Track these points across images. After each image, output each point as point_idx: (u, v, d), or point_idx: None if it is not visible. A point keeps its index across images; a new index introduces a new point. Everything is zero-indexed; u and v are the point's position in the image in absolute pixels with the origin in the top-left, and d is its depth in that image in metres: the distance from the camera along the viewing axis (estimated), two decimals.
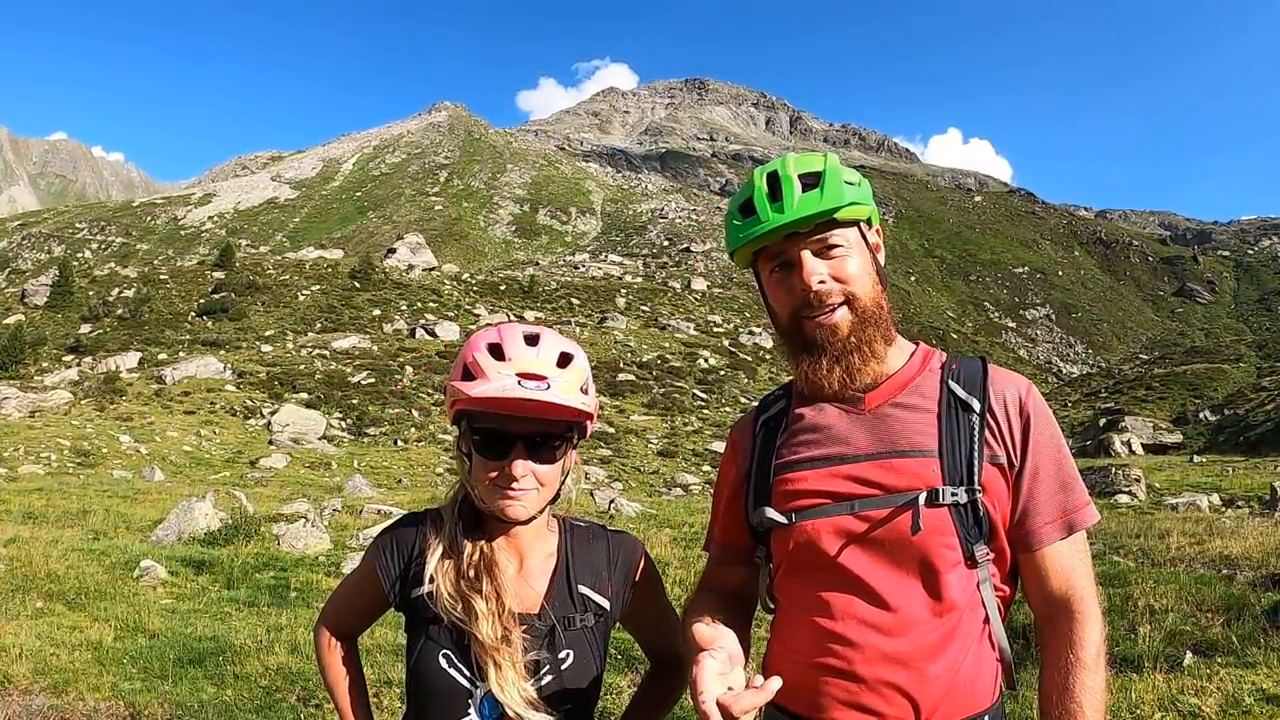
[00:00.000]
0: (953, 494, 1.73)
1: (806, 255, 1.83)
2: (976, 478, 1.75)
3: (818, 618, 1.79)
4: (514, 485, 1.89)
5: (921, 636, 1.72)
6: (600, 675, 2.02)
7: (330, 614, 2.20)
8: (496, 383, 1.83)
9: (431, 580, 1.92)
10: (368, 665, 6.91)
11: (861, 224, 1.89)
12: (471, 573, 1.91)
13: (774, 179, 1.85)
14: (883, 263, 1.93)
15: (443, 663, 1.89)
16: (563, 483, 2.00)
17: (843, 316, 1.84)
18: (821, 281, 1.82)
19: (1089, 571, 1.81)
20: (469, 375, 1.88)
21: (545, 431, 1.92)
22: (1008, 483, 1.79)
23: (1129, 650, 6.67)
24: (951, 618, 1.73)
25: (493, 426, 1.90)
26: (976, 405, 1.81)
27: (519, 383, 1.83)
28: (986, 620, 1.78)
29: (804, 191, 1.81)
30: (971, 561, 1.75)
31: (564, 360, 1.92)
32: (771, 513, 1.85)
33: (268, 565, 11.98)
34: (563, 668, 1.92)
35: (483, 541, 1.96)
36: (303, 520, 14.20)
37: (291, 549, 12.86)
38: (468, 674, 1.88)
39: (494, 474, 1.89)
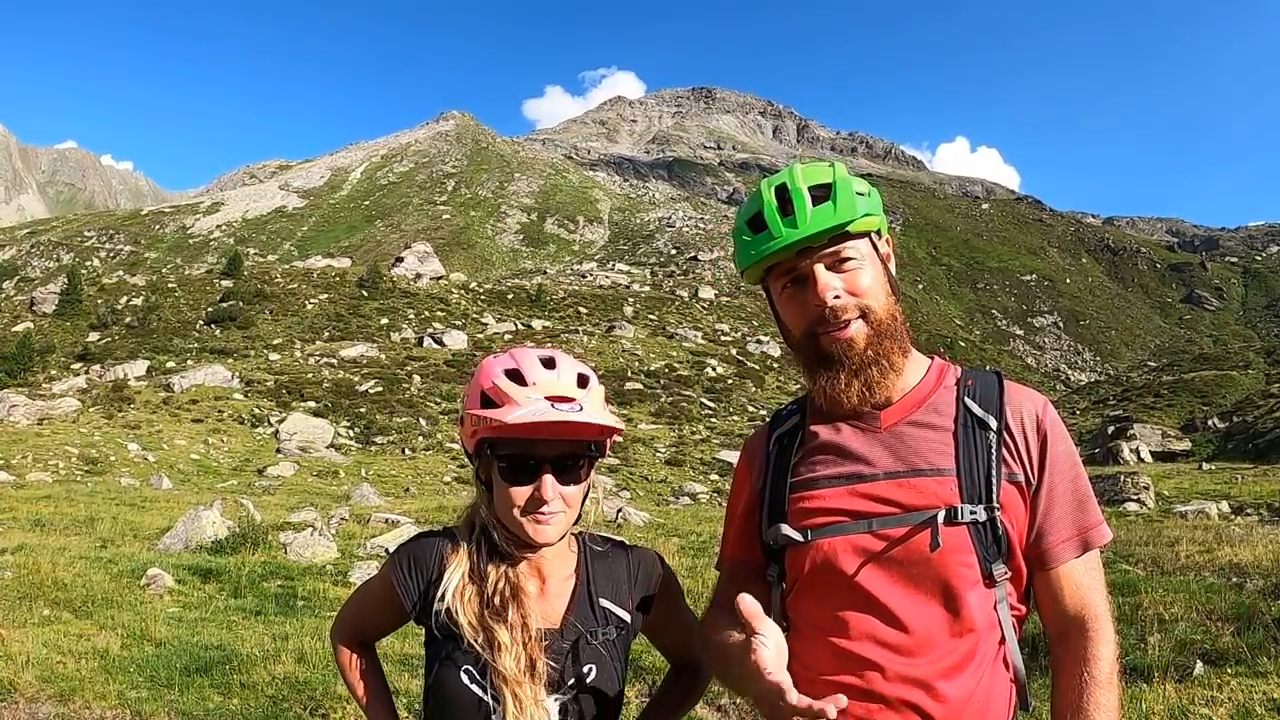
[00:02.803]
0: (971, 512, 1.71)
1: (820, 270, 1.81)
2: (995, 496, 1.73)
3: (834, 637, 1.77)
4: (544, 509, 1.88)
5: (939, 657, 1.70)
6: (623, 688, 2.02)
7: (348, 628, 2.21)
8: (529, 408, 1.82)
9: (452, 604, 1.91)
10: None
11: (872, 235, 1.87)
12: (496, 600, 1.90)
13: (783, 192, 1.82)
14: (894, 272, 1.91)
15: (464, 679, 1.88)
16: (584, 502, 2.00)
17: (858, 330, 1.82)
18: (837, 297, 1.80)
19: (1103, 589, 1.80)
20: (491, 403, 1.87)
21: (571, 453, 1.92)
22: (1025, 501, 1.77)
23: (1139, 660, 6.65)
24: (969, 638, 1.71)
25: (520, 452, 1.89)
26: (993, 423, 1.79)
27: (552, 405, 1.82)
28: (1002, 640, 1.76)
29: (815, 205, 1.79)
30: (990, 581, 1.74)
31: (583, 381, 1.92)
32: (788, 530, 1.84)
33: (275, 574, 11.98)
34: (586, 682, 1.92)
35: (506, 567, 1.95)
36: (310, 529, 14.20)
37: (299, 558, 12.86)
38: (490, 691, 1.86)
39: (523, 500, 1.89)
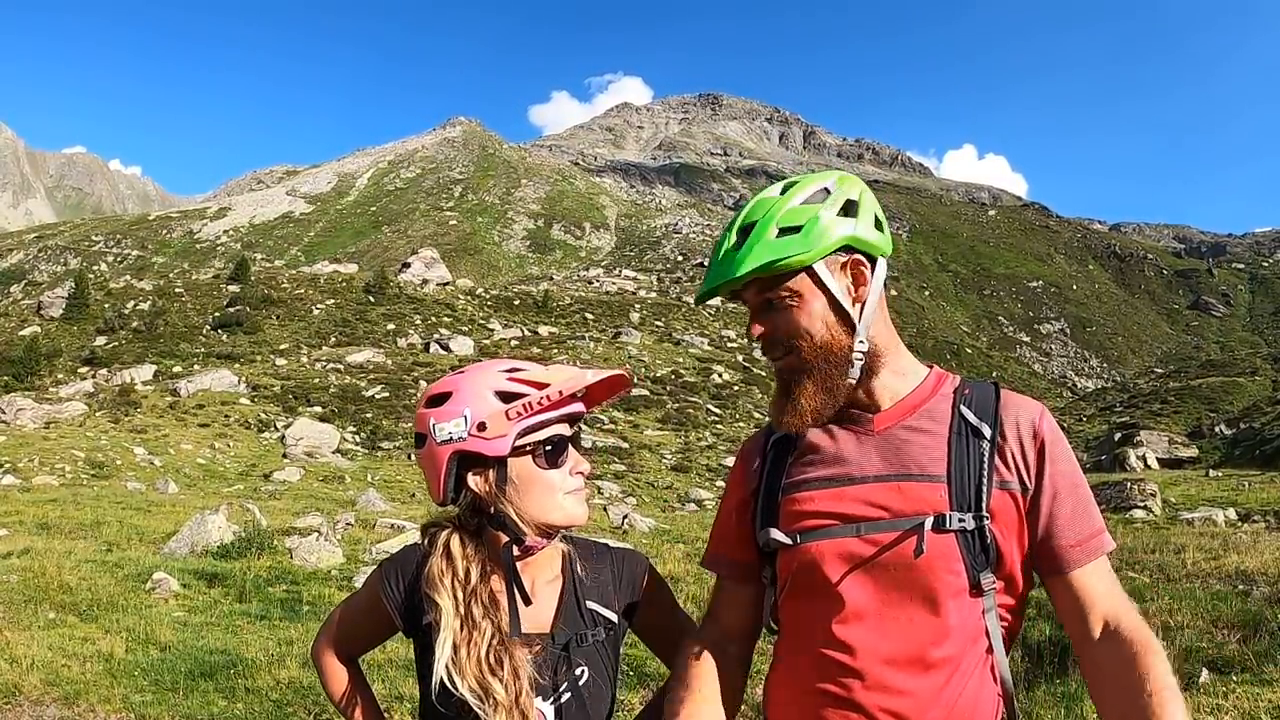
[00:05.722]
0: (960, 520, 1.70)
1: (753, 308, 1.85)
2: (985, 504, 1.71)
3: (818, 642, 1.76)
4: (583, 485, 1.96)
5: (922, 665, 1.68)
6: (615, 690, 2.03)
7: (334, 642, 2.19)
8: (578, 374, 1.91)
9: (449, 675, 1.88)
10: (379, 680, 6.93)
11: (816, 266, 1.80)
12: (492, 659, 1.88)
13: (728, 232, 1.85)
14: (861, 293, 1.83)
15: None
16: None
17: (787, 364, 1.85)
18: (761, 335, 1.85)
19: (1126, 596, 1.76)
20: (515, 396, 1.89)
21: (576, 432, 2.01)
22: (1019, 510, 1.75)
23: None
24: (953, 646, 1.69)
25: (559, 433, 1.94)
26: (987, 431, 1.78)
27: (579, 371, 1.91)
28: (990, 650, 1.74)
29: (738, 248, 1.80)
30: (977, 590, 1.71)
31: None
32: (777, 533, 1.84)
33: (280, 578, 11.99)
34: (579, 684, 1.93)
35: (500, 615, 1.92)
36: (315, 534, 14.20)
37: (304, 562, 12.87)
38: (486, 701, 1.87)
39: (565, 481, 1.94)
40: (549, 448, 1.92)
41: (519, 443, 1.90)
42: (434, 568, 1.95)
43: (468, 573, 1.94)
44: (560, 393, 1.87)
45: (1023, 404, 1.84)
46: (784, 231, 1.78)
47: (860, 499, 1.78)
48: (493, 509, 1.93)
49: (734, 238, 1.82)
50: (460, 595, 1.93)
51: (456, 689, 1.85)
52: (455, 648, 1.88)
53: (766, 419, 2.09)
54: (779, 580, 1.89)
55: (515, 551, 1.93)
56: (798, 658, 1.80)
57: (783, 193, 1.85)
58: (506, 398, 1.89)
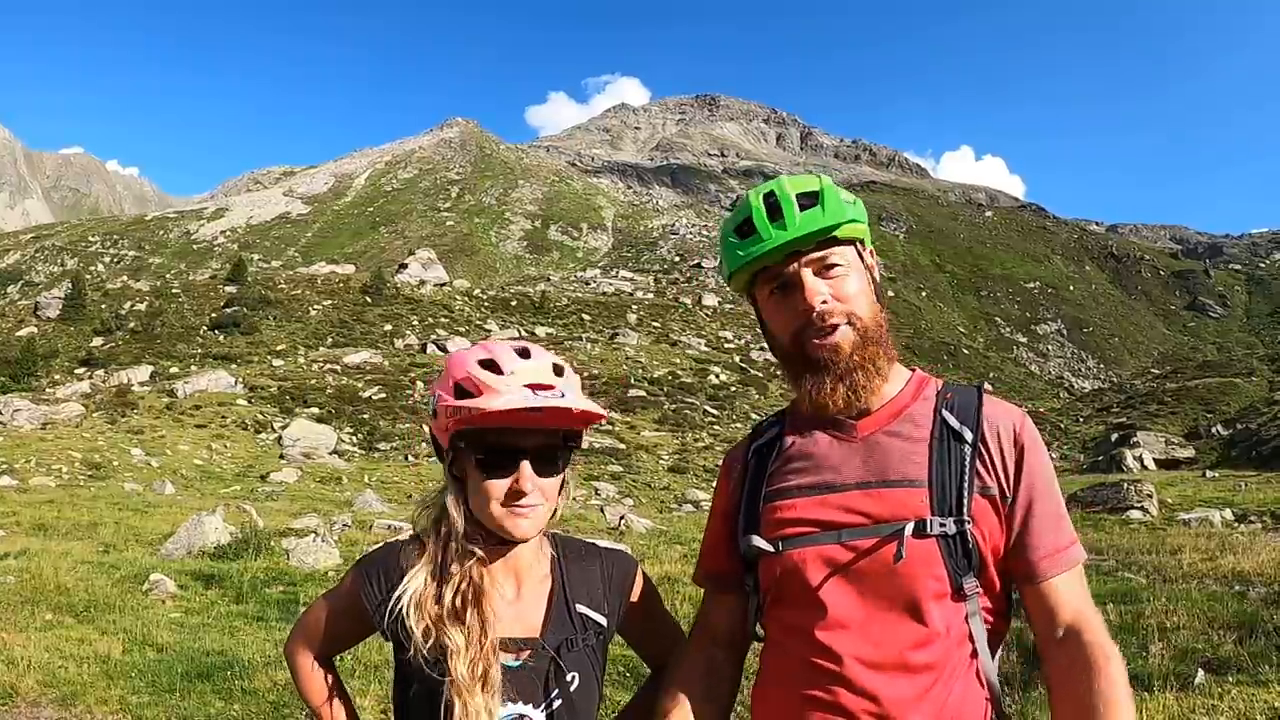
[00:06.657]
0: (940, 525, 1.70)
1: (808, 274, 1.81)
2: (966, 509, 1.71)
3: (803, 648, 1.76)
4: (523, 501, 1.84)
5: (906, 669, 1.68)
6: (601, 692, 2.01)
7: (309, 641, 2.12)
8: (509, 395, 1.77)
9: (406, 608, 1.85)
10: (377, 682, 6.92)
11: (858, 244, 1.87)
12: (457, 602, 1.84)
13: (771, 199, 1.83)
14: (879, 283, 1.91)
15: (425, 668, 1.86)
16: (559, 496, 1.96)
17: (844, 335, 1.81)
18: (824, 301, 1.80)
19: (1094, 606, 1.77)
20: (466, 393, 1.81)
21: (548, 444, 1.88)
22: (999, 514, 1.75)
23: (1140, 668, 6.62)
24: (936, 650, 1.69)
25: (499, 443, 1.84)
26: (969, 435, 1.78)
27: (533, 393, 1.78)
28: (975, 654, 1.74)
29: (803, 210, 1.79)
30: (959, 594, 1.71)
31: (558, 369, 1.88)
32: (759, 541, 1.83)
33: (277, 580, 11.97)
34: (571, 690, 1.90)
35: (473, 565, 1.88)
36: (312, 535, 14.20)
37: (301, 564, 12.85)
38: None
39: (501, 493, 1.84)
40: (481, 457, 1.85)
41: (460, 442, 1.87)
42: (427, 523, 1.97)
43: (452, 530, 1.92)
44: (498, 410, 1.77)
45: (1004, 409, 1.84)
46: (847, 202, 1.83)
47: (841, 506, 1.78)
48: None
49: (794, 202, 1.81)
50: (437, 540, 1.92)
51: (410, 625, 1.83)
52: (420, 588, 1.87)
53: (763, 420, 2.08)
54: (762, 588, 1.89)
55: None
56: (784, 664, 1.80)
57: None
58: (460, 392, 1.83)
